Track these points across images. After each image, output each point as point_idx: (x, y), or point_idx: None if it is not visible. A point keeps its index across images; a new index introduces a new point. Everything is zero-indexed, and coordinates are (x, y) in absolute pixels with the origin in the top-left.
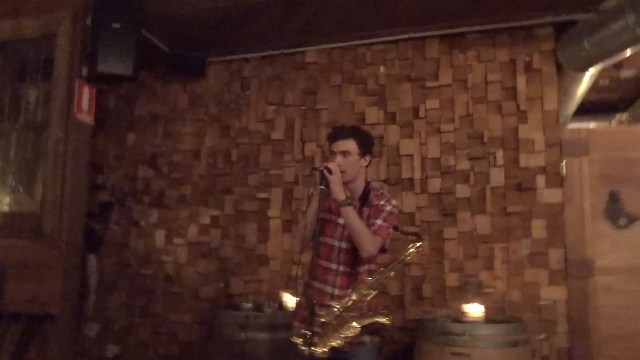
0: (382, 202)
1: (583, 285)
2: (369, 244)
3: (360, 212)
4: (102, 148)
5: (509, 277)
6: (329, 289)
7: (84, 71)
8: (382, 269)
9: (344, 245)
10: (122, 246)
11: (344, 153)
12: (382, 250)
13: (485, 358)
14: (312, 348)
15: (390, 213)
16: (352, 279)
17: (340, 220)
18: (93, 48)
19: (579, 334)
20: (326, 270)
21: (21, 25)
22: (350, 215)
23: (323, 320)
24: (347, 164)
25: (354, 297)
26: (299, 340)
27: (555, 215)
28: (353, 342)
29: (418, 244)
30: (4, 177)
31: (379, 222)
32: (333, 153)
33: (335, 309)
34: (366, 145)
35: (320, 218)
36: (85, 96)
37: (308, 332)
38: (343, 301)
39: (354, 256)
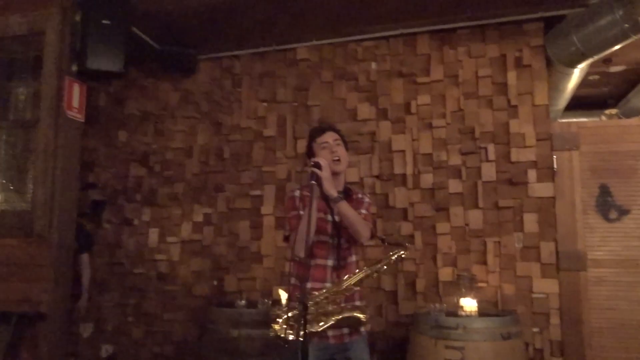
0: (359, 195)
1: (575, 278)
2: (366, 230)
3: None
4: (93, 146)
5: (502, 271)
6: (328, 286)
7: (74, 68)
8: (365, 268)
9: (336, 241)
10: (114, 245)
11: (337, 141)
12: (371, 236)
13: (479, 351)
14: (289, 331)
15: (369, 204)
16: (344, 272)
17: (329, 217)
18: (82, 45)
19: (571, 326)
20: (323, 268)
21: (9, 22)
22: (345, 208)
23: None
24: (343, 153)
25: (342, 288)
26: (277, 326)
27: (546, 209)
28: (353, 333)
29: (400, 253)
30: None
31: (364, 211)
32: (323, 147)
33: (322, 296)
34: (345, 143)
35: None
36: (76, 93)
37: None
38: (331, 289)
39: (343, 250)
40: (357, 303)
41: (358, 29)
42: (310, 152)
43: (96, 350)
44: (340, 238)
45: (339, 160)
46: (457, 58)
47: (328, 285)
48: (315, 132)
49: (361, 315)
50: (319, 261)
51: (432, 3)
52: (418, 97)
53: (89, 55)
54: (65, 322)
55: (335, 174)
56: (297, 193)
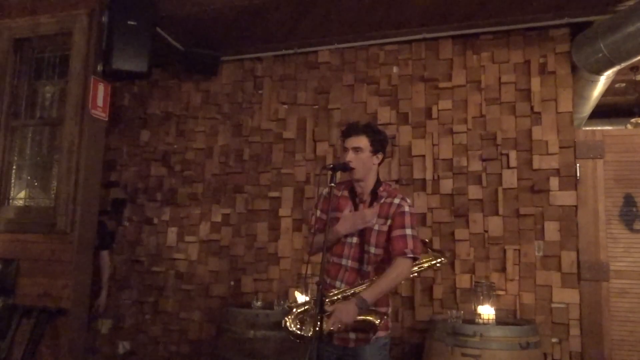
0: (396, 201)
1: (596, 289)
2: (405, 277)
3: (371, 207)
4: (115, 145)
5: (521, 279)
6: (337, 284)
7: (99, 68)
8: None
9: (354, 241)
10: (134, 243)
11: (356, 149)
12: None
13: None
14: (299, 326)
15: (411, 215)
16: (359, 275)
17: None
18: (108, 45)
19: (591, 338)
20: (337, 266)
21: (38, 22)
22: (377, 295)
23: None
24: (358, 161)
25: (358, 289)
26: (288, 320)
27: (568, 217)
28: (358, 338)
29: (438, 260)
30: (20, 172)
31: (409, 232)
32: (345, 149)
33: (339, 295)
34: (378, 142)
35: (331, 216)
36: (100, 93)
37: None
38: (346, 290)
39: (362, 253)
40: (382, 309)
41: (380, 32)
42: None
43: (113, 346)
44: (364, 241)
45: (353, 169)
46: (480, 63)
47: (338, 283)
48: (345, 132)
49: (376, 320)
50: (335, 259)
51: (456, 8)
52: (439, 102)
53: (115, 55)
54: (85, 318)
55: (355, 180)
56: (325, 192)
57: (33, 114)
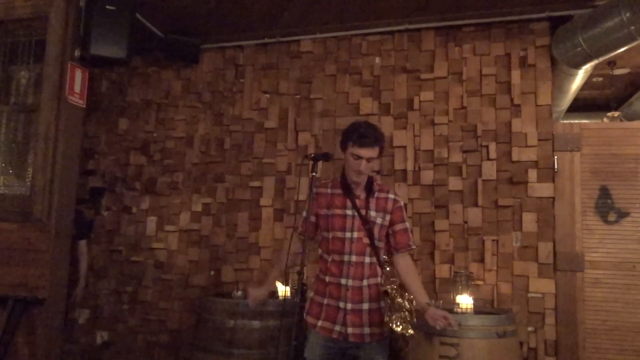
0: (391, 197)
1: (571, 279)
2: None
3: (367, 202)
4: (93, 133)
5: (499, 269)
6: (343, 281)
7: (77, 53)
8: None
9: (355, 235)
10: (112, 232)
11: (370, 160)
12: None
13: (474, 348)
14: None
15: (402, 208)
16: (364, 269)
17: (349, 212)
18: (86, 30)
19: (566, 327)
20: (339, 263)
21: (13, 5)
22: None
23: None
24: (368, 169)
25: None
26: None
27: (545, 209)
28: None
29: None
30: None
31: (407, 225)
32: (358, 157)
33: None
34: (383, 150)
35: (324, 215)
36: (78, 79)
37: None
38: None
39: (364, 246)
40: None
41: (363, 23)
42: (343, 147)
43: (91, 336)
44: (370, 236)
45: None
46: (462, 55)
47: (344, 280)
48: (358, 138)
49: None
50: (335, 257)
51: (439, 0)
52: (421, 93)
53: (93, 41)
54: (62, 307)
55: (355, 182)
56: (314, 191)
57: (7, 100)
